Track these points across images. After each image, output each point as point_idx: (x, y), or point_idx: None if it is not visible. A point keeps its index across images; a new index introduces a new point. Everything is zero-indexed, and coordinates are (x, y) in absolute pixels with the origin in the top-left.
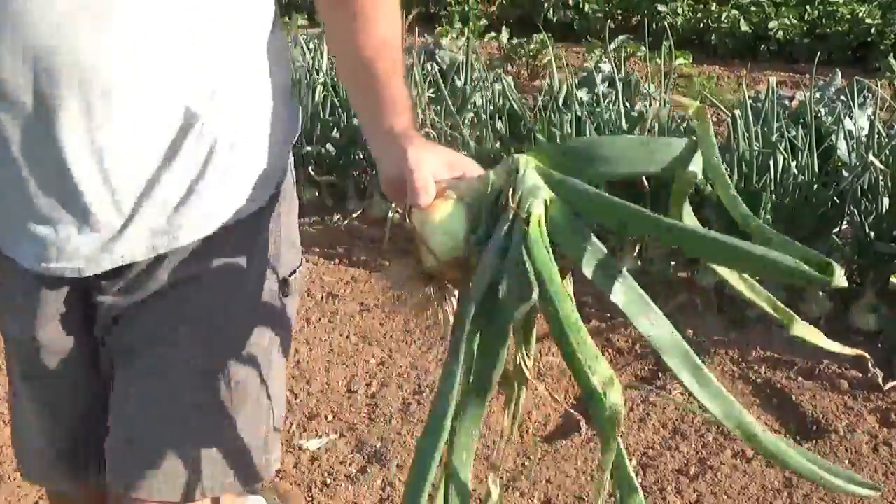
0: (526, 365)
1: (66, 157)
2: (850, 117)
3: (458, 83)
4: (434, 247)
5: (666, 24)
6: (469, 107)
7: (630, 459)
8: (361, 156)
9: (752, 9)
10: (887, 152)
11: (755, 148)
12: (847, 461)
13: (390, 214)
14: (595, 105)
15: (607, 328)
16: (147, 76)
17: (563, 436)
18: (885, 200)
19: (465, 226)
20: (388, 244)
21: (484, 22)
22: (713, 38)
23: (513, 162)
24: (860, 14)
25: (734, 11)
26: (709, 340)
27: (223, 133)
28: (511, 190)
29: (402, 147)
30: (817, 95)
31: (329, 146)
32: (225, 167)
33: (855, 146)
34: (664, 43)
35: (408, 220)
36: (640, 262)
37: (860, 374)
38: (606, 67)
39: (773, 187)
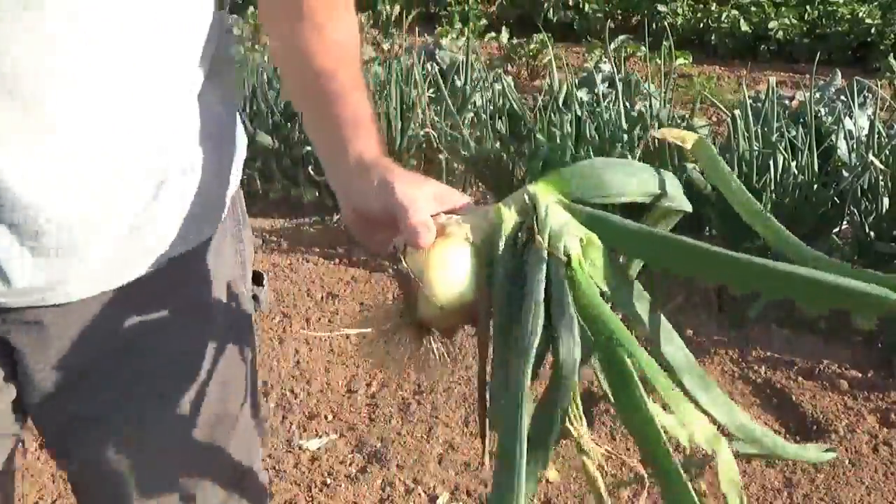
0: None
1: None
2: (850, 117)
3: (458, 83)
4: (439, 292)
5: (666, 24)
6: (469, 107)
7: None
8: None
9: (752, 9)
10: (887, 152)
11: (755, 148)
12: (847, 461)
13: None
14: (595, 105)
15: None
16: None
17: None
18: (885, 200)
19: (474, 268)
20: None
21: (484, 22)
22: (713, 38)
23: (530, 197)
24: (860, 14)
25: (734, 11)
26: (709, 340)
27: (177, 155)
28: (536, 227)
29: (383, 179)
30: (817, 95)
31: None
32: (181, 192)
33: (855, 146)
34: (664, 43)
35: (401, 262)
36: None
37: (860, 374)
38: (606, 67)
39: (773, 187)
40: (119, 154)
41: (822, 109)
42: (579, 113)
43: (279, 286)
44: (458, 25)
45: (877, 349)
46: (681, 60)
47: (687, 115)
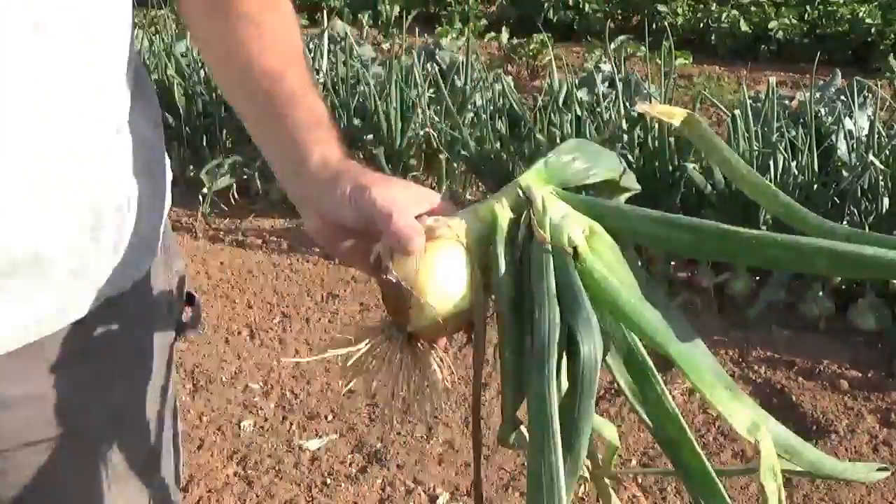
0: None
1: None
2: (850, 117)
3: (458, 83)
4: (436, 300)
5: (666, 24)
6: (469, 107)
7: (630, 459)
8: (362, 156)
9: (752, 9)
10: (887, 152)
11: (755, 148)
12: (847, 461)
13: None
14: (595, 105)
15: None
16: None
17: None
18: (885, 200)
19: (470, 272)
20: None
21: (484, 22)
22: (713, 38)
23: (523, 191)
24: (860, 14)
25: (734, 11)
26: (709, 340)
27: (111, 190)
28: (534, 221)
29: (357, 184)
30: (817, 95)
31: None
32: (117, 226)
33: (855, 146)
34: (664, 43)
35: (388, 271)
36: (639, 263)
37: (860, 374)
38: (606, 67)
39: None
40: (47, 193)
41: (822, 109)
42: (579, 113)
43: (279, 286)
44: (458, 25)
45: (877, 349)
46: (681, 60)
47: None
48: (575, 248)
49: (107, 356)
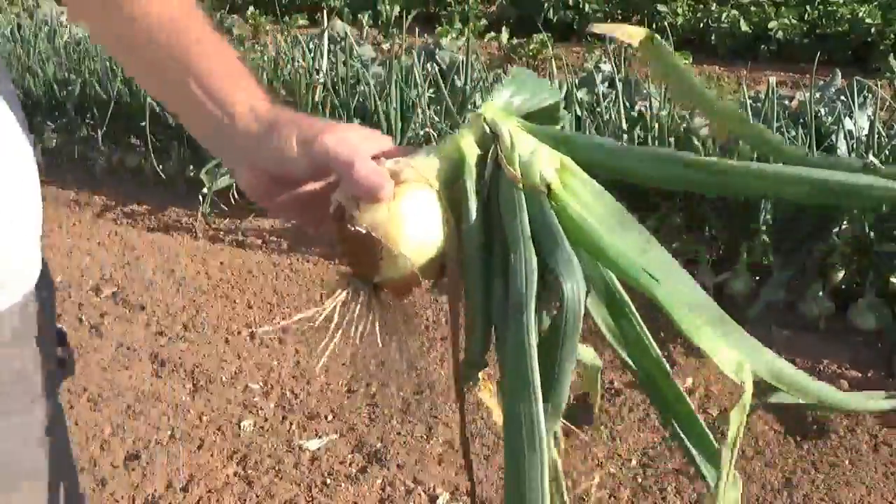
0: None
1: None
2: (850, 117)
3: (458, 83)
4: (409, 248)
5: (666, 24)
6: (469, 107)
7: (630, 459)
8: None
9: (752, 9)
10: (887, 152)
11: None
12: (847, 461)
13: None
14: (595, 105)
15: None
16: None
17: (563, 436)
18: None
19: (443, 215)
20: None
21: (484, 22)
22: (713, 38)
23: (489, 124)
24: (860, 14)
25: (734, 11)
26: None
27: None
28: (503, 158)
29: (306, 133)
30: (817, 95)
31: None
32: None
33: (855, 146)
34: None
35: (352, 222)
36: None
37: (860, 374)
38: (606, 67)
39: None
40: None
41: (822, 109)
42: (579, 113)
43: (279, 286)
44: (458, 25)
45: (877, 349)
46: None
47: (687, 115)
48: (548, 186)
49: None
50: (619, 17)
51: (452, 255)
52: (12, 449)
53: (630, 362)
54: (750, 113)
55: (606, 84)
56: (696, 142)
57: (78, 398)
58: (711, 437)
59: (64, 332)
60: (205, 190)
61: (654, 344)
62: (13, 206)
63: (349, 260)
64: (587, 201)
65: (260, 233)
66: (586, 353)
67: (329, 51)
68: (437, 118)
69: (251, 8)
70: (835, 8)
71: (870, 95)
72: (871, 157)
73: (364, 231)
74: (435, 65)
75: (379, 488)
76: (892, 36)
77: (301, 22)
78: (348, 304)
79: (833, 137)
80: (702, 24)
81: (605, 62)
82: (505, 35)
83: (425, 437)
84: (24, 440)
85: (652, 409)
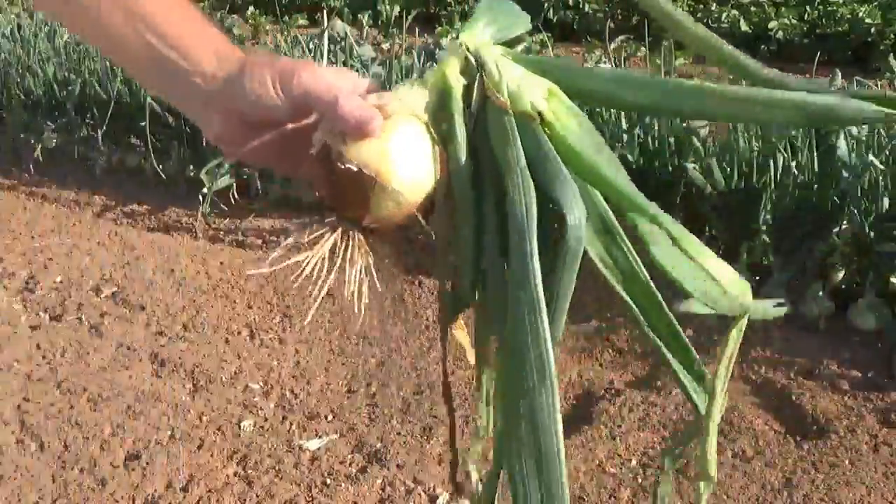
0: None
1: None
2: None
3: None
4: (400, 184)
5: None
6: None
7: (630, 459)
8: None
9: (752, 9)
10: (887, 152)
11: (755, 148)
12: (847, 461)
13: None
14: None
15: (607, 328)
16: None
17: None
18: (885, 200)
19: (433, 149)
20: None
21: None
22: None
23: (473, 54)
24: (860, 14)
25: (734, 11)
26: (709, 340)
27: None
28: (490, 87)
29: (282, 72)
30: None
31: None
32: None
33: (855, 146)
34: (664, 43)
35: (340, 159)
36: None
37: (860, 374)
38: (606, 67)
39: (773, 187)
40: None
41: None
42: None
43: (279, 286)
44: (458, 25)
45: (877, 349)
46: (681, 60)
47: None
48: (540, 113)
49: None
50: (619, 17)
51: (442, 190)
52: None
53: (625, 296)
54: None
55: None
56: (696, 141)
57: (78, 398)
58: (705, 368)
59: None
60: (205, 190)
61: (647, 274)
62: None
63: (334, 203)
64: (574, 128)
65: (260, 233)
66: (747, 296)
67: (329, 51)
68: None
69: (251, 8)
70: (835, 8)
71: None
72: (871, 157)
73: (355, 168)
74: (435, 64)
75: (379, 488)
76: (892, 36)
77: (301, 22)
78: (337, 249)
79: (833, 137)
80: (701, 24)
81: (604, 62)
82: None
83: (425, 437)
84: None
85: (652, 409)
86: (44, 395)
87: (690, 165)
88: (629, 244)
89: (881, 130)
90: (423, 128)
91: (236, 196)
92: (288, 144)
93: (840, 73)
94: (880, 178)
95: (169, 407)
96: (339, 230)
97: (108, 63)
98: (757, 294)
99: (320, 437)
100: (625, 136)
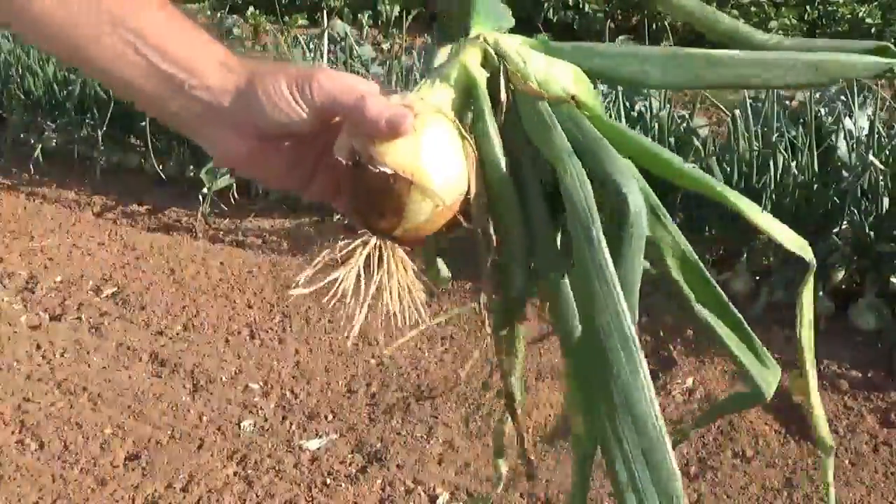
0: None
1: None
2: (850, 117)
3: None
4: (438, 185)
5: (666, 24)
6: None
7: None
8: None
9: (752, 9)
10: (887, 152)
11: (755, 148)
12: (847, 461)
13: None
14: None
15: None
16: None
17: (563, 436)
18: (885, 200)
19: (464, 147)
20: None
21: None
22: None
23: (492, 46)
24: (860, 14)
25: (734, 11)
26: (709, 340)
27: None
28: (517, 76)
29: (302, 81)
30: (817, 95)
31: None
32: None
33: (855, 146)
34: (664, 43)
35: (371, 165)
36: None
37: (860, 374)
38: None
39: (773, 187)
40: None
41: (822, 109)
42: None
43: (279, 286)
44: None
45: (877, 349)
46: None
47: (687, 115)
48: (573, 97)
49: None
50: (619, 17)
51: (479, 189)
52: None
53: (675, 274)
54: (750, 112)
55: (606, 84)
56: (696, 141)
57: (78, 398)
58: (747, 326)
59: None
60: (205, 190)
61: (691, 247)
62: None
63: (363, 214)
64: (603, 110)
65: (260, 233)
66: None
67: (329, 51)
68: None
69: (251, 8)
70: (835, 8)
71: (870, 95)
72: (871, 157)
73: (389, 171)
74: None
75: (379, 488)
76: (893, 36)
77: (301, 22)
78: (371, 264)
79: (833, 137)
80: None
81: None
82: None
83: (425, 437)
84: None
85: None
86: (44, 395)
87: (690, 165)
88: (669, 218)
89: (881, 130)
90: (451, 125)
91: (236, 196)
92: (298, 158)
93: None
94: (880, 178)
95: (169, 407)
96: (372, 242)
97: None
98: (757, 294)
99: (320, 437)
100: None
